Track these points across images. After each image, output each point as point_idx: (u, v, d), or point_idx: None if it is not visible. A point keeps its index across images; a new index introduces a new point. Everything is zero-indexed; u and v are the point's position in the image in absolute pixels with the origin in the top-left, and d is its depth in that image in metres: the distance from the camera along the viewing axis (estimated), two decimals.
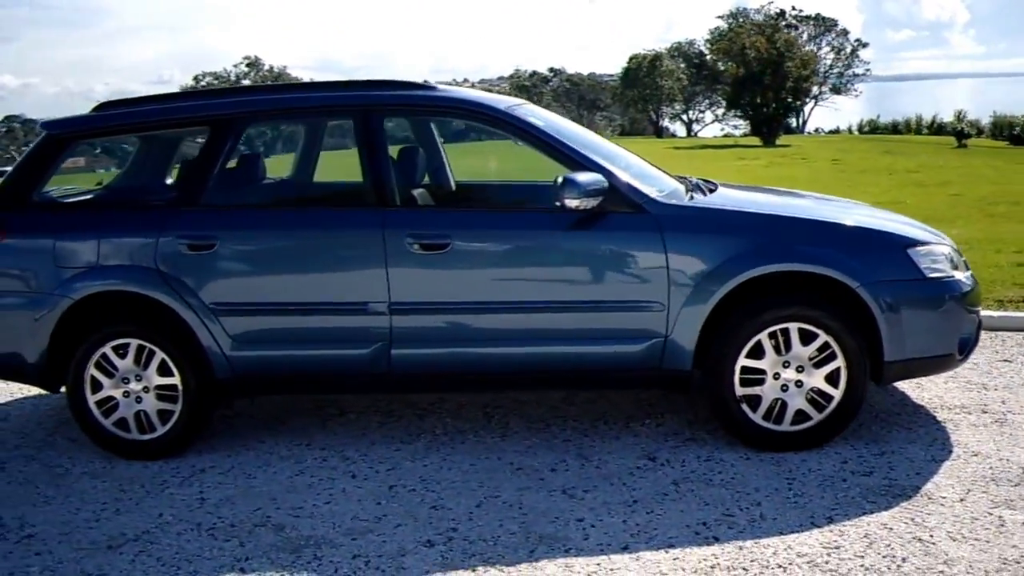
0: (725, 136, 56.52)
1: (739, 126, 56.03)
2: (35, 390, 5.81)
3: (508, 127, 4.52)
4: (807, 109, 59.42)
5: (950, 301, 4.26)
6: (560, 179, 4.19)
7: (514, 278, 4.35)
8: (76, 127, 4.86)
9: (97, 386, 4.58)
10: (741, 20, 60.80)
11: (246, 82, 61.96)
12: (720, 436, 4.54)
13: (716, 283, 4.16)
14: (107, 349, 4.54)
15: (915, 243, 4.30)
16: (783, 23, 57.60)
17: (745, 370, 4.24)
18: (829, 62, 60.93)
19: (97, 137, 5.06)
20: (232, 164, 4.77)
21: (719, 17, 67.18)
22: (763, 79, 42.06)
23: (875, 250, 4.24)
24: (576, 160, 4.34)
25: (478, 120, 4.73)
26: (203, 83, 61.35)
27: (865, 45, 64.10)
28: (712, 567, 3.41)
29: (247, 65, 63.31)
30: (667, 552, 3.53)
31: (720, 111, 64.79)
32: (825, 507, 3.81)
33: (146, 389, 4.55)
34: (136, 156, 5.40)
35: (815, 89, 55.12)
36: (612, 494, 4.03)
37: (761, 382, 4.26)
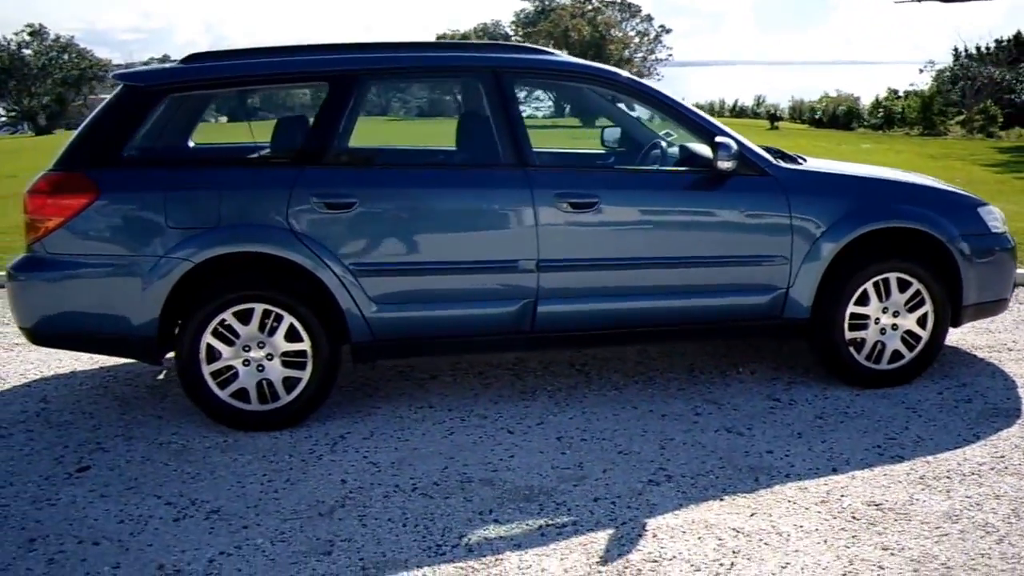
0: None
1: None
2: (48, 367, 5.31)
3: (637, 94, 4.73)
4: None
5: (1007, 252, 4.95)
6: (714, 143, 4.47)
7: (654, 235, 4.56)
8: (169, 79, 4.50)
9: (214, 355, 4.30)
10: (548, 2, 61.09)
11: (28, 52, 55.22)
12: (814, 378, 4.97)
13: (833, 239, 4.61)
14: (227, 315, 4.27)
15: (982, 203, 4.96)
16: (589, 7, 58.59)
17: (852, 316, 4.69)
18: (633, 47, 62.60)
19: (194, 90, 4.66)
20: (359, 121, 4.61)
21: None
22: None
23: (955, 209, 4.86)
24: (703, 126, 4.64)
25: (605, 86, 4.87)
26: None
27: (669, 31, 65.91)
28: (929, 476, 3.83)
29: (30, 34, 56.50)
30: (872, 470, 3.91)
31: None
32: (963, 427, 4.34)
33: (270, 356, 4.33)
34: (241, 111, 5.06)
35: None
36: (771, 430, 4.35)
37: (865, 327, 4.73)
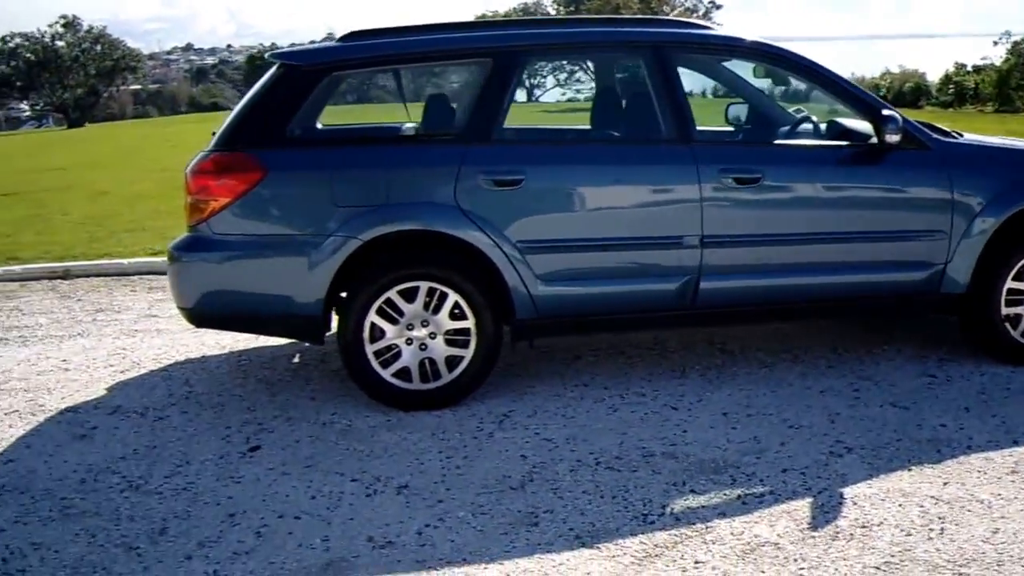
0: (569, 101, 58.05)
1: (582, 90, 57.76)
2: (177, 352, 5.34)
3: (802, 69, 4.71)
4: None
5: None
6: (886, 116, 4.44)
7: (816, 211, 4.56)
8: (330, 58, 4.51)
9: (377, 334, 4.31)
10: None
11: (60, 44, 55.45)
12: (964, 356, 4.96)
13: (994, 214, 4.59)
14: (392, 294, 4.28)
15: None
16: None
17: (1009, 292, 4.67)
18: None
19: (354, 68, 4.66)
20: (520, 98, 4.62)
21: None
22: None
23: None
24: (866, 100, 4.62)
25: (771, 61, 4.83)
26: (10, 45, 54.67)
27: (720, 7, 64.62)
28: None
29: (63, 25, 56.82)
30: None
31: (563, 76, 66.94)
32: None
33: (433, 335, 4.33)
34: (400, 88, 5.08)
35: None
36: (937, 405, 4.33)
37: (1021, 302, 4.70)
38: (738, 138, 5.23)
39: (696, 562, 3.09)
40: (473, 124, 4.43)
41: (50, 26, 56.95)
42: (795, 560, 3.07)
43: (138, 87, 72.06)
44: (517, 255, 4.29)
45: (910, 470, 3.69)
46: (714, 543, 3.20)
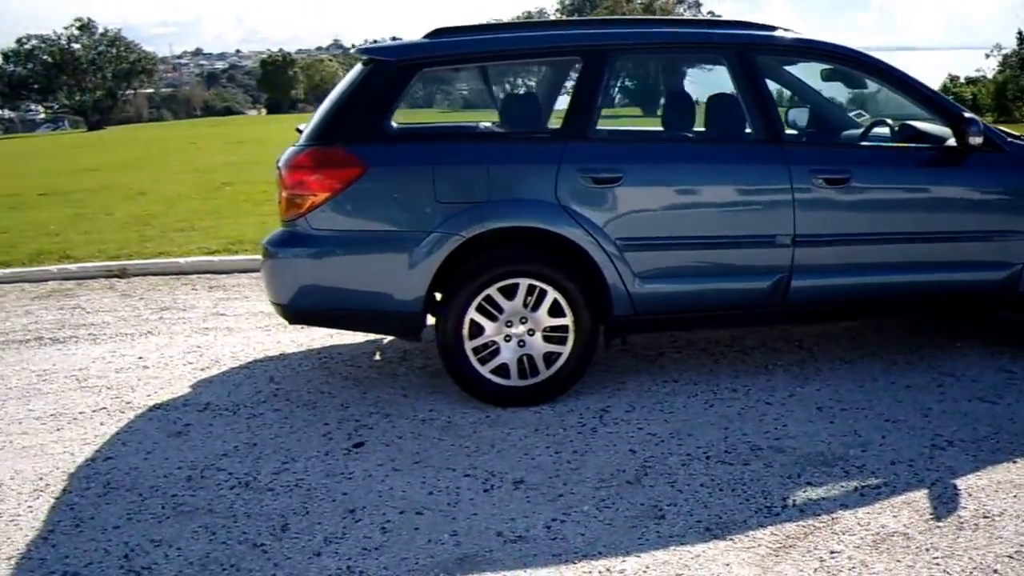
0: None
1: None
2: (254, 349, 5.37)
3: (877, 72, 4.80)
4: None
5: None
6: (967, 119, 4.55)
7: (901, 211, 4.65)
8: (422, 54, 4.54)
9: (477, 331, 4.35)
10: None
11: (77, 46, 55.35)
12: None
13: None
14: (493, 290, 4.32)
15: None
16: None
17: None
18: None
19: (447, 65, 4.73)
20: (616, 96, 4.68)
21: None
22: None
23: None
24: (944, 104, 4.72)
25: (848, 64, 4.91)
26: (27, 47, 54.65)
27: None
28: None
29: (79, 28, 56.64)
30: None
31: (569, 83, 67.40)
32: None
33: (531, 332, 4.38)
34: (488, 85, 5.12)
35: None
36: (1022, 399, 4.41)
37: None
38: (826, 140, 5.28)
39: (831, 552, 3.15)
40: (569, 121, 4.46)
41: (66, 28, 56.86)
42: (927, 550, 3.14)
43: (151, 91, 71.87)
44: (616, 252, 4.34)
45: (1016, 462, 3.76)
46: (844, 533, 3.26)
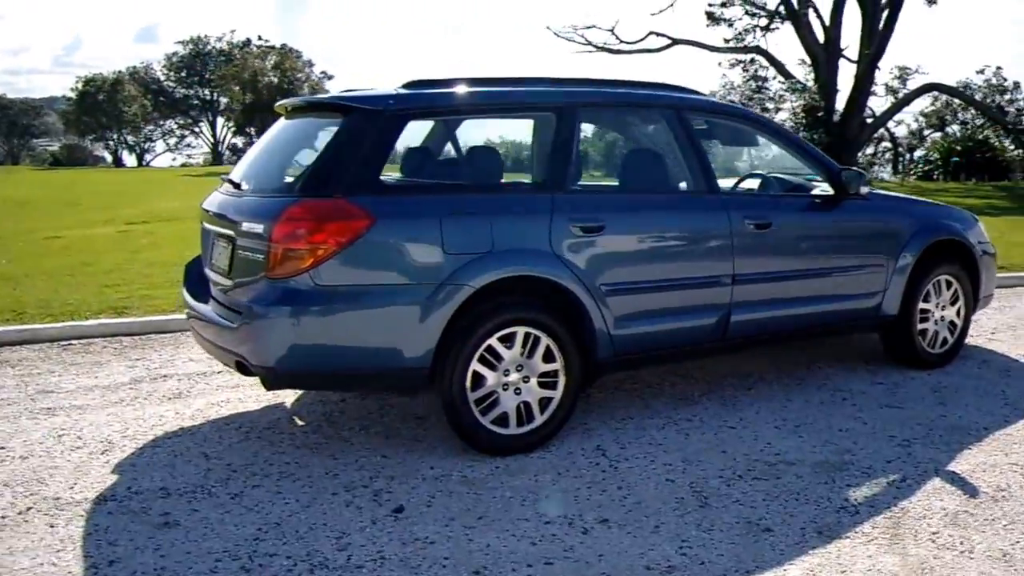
0: (185, 167, 56.42)
1: (192, 156, 61.49)
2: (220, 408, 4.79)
3: (768, 131, 5.52)
4: None
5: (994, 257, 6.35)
6: (851, 172, 5.44)
7: (808, 250, 5.35)
8: (409, 105, 4.41)
9: (479, 381, 4.31)
10: (201, 47, 63.29)
11: None
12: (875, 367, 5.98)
13: (915, 245, 5.72)
14: (494, 340, 4.30)
15: (977, 220, 6.30)
16: (247, 51, 58.65)
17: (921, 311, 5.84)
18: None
19: (432, 116, 4.68)
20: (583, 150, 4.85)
21: (179, 43, 68.83)
22: (273, 106, 42.84)
23: (973, 224, 6.18)
24: (822, 162, 5.55)
25: (744, 123, 5.58)
26: None
27: (331, 77, 64.39)
28: None
29: None
30: None
31: (173, 140, 67.21)
32: None
33: (526, 379, 4.39)
34: (472, 138, 4.94)
35: None
36: (916, 403, 5.29)
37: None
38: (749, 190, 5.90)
39: (933, 533, 3.61)
40: (552, 173, 4.59)
41: None
42: (993, 520, 3.72)
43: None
44: (601, 298, 4.51)
45: (975, 448, 4.56)
46: (923, 518, 3.75)
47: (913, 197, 6.46)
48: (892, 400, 5.31)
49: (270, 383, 4.15)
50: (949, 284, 5.96)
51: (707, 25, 31.21)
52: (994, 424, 4.87)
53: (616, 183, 5.20)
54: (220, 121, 67.91)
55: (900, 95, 33.49)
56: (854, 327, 5.72)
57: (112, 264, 9.96)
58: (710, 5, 30.58)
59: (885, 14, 27.15)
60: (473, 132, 5.25)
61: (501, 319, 4.27)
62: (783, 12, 28.78)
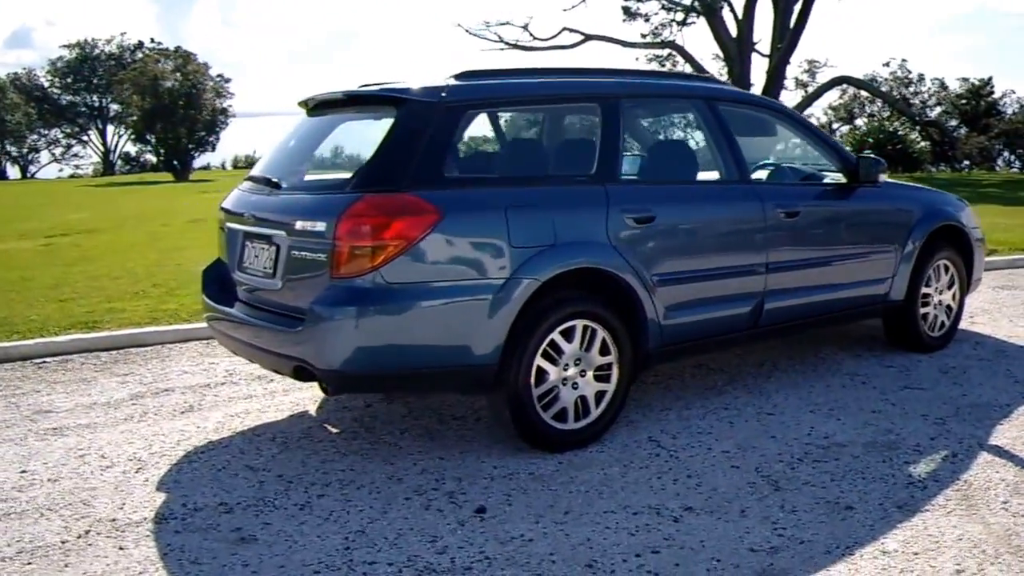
0: (75, 177, 54.56)
1: (81, 166, 59.43)
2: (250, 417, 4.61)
3: (790, 120, 5.64)
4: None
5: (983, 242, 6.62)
6: (868, 159, 5.58)
7: (830, 237, 5.48)
8: (467, 96, 4.33)
9: (541, 377, 4.27)
10: (89, 50, 60.60)
11: None
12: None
13: (920, 231, 5.90)
14: (556, 334, 4.27)
15: (967, 204, 6.53)
16: (140, 54, 56.56)
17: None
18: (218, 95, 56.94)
19: (487, 107, 4.60)
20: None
21: (64, 47, 66.22)
22: (176, 111, 41.36)
23: (964, 208, 6.40)
24: (839, 150, 5.70)
25: (768, 113, 5.65)
26: None
27: (228, 80, 61.15)
28: None
29: None
30: None
31: (59, 150, 64.21)
32: None
33: (583, 372, 4.37)
34: (525, 129, 4.84)
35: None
36: (935, 383, 5.48)
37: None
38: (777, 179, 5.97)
39: (1004, 502, 3.76)
40: (603, 165, 4.56)
41: None
42: None
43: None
44: (652, 289, 4.53)
45: (1009, 424, 4.71)
46: (987, 489, 3.90)
47: (915, 184, 6.64)
48: (909, 382, 5.48)
49: (334, 387, 4.01)
50: (947, 269, 6.17)
51: (623, 20, 31.47)
52: (1014, 401, 5.08)
53: (656, 174, 5.17)
54: (111, 129, 65.09)
55: (810, 89, 34.31)
56: (865, 313, 5.86)
57: (53, 279, 9.47)
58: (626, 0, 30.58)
59: (797, 8, 27.65)
60: (521, 123, 5.19)
61: (564, 312, 4.23)
62: (698, 7, 29.11)
